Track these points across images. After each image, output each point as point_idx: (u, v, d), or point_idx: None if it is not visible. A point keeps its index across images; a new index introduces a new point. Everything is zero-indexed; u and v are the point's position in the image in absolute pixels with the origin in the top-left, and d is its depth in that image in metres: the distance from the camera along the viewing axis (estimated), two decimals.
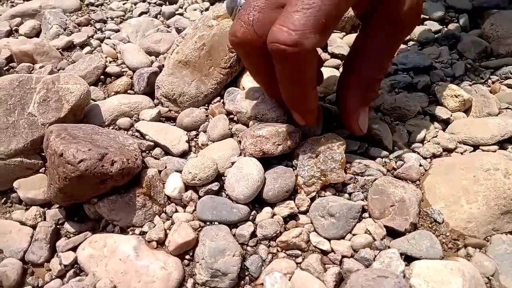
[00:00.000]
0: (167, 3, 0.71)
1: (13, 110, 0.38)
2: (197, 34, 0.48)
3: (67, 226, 0.36)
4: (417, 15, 0.37)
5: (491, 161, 0.36)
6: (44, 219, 0.36)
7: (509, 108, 0.48)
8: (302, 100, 0.35)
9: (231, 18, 0.36)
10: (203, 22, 0.49)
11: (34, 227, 0.36)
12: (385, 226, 0.34)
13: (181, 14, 0.67)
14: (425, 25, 0.64)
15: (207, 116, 0.46)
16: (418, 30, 0.62)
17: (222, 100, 0.47)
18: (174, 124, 0.46)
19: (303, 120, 0.37)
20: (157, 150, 0.42)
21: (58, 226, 0.36)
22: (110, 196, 0.35)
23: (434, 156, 0.42)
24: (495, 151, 0.41)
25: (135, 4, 0.71)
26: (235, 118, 0.45)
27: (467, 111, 0.48)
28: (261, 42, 0.32)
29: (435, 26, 0.64)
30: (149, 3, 0.71)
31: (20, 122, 0.38)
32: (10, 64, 0.53)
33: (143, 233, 0.34)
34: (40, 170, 0.39)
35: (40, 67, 0.51)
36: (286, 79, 0.34)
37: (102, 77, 0.52)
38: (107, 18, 0.65)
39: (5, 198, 0.38)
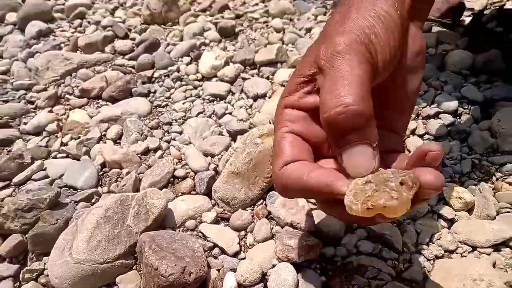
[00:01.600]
0: (218, 99, 0.87)
1: (117, 224, 0.53)
2: (246, 150, 0.61)
3: None
4: None
5: (478, 272, 0.45)
6: None
7: (508, 208, 0.56)
8: None
9: None
10: (251, 140, 0.63)
11: None
12: None
13: (230, 113, 0.82)
14: (440, 118, 0.73)
15: (252, 216, 0.59)
16: (434, 125, 0.71)
17: (264, 202, 0.60)
18: (227, 223, 0.59)
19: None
20: (216, 250, 0.55)
21: None
22: None
23: (437, 257, 0.51)
24: (489, 254, 0.50)
25: (193, 102, 0.87)
26: (275, 218, 0.57)
27: (470, 210, 0.57)
28: None
29: (449, 118, 0.72)
30: (203, 99, 0.87)
31: (122, 232, 0.53)
32: (103, 169, 0.70)
33: None
34: (133, 268, 0.54)
35: (127, 173, 0.68)
36: None
37: (171, 179, 0.67)
38: (172, 119, 0.81)
39: None
